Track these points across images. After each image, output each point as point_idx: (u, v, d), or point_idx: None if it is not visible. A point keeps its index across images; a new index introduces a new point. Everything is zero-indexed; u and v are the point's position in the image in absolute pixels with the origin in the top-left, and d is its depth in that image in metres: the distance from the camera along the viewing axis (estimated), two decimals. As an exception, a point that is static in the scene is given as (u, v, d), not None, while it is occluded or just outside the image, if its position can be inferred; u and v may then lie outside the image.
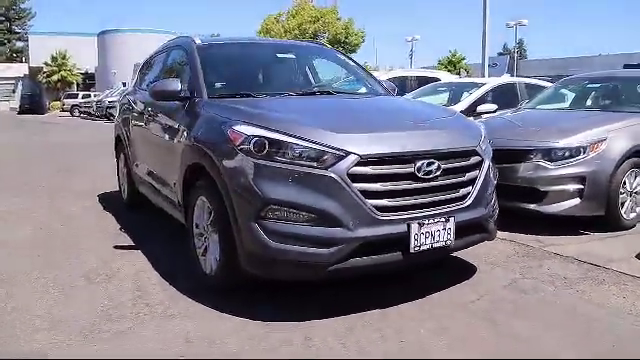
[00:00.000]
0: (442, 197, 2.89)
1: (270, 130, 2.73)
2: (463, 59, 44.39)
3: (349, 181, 2.62)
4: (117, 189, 6.35)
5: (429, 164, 2.80)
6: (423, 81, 10.21)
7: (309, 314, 2.80)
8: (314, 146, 2.65)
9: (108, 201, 5.82)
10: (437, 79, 10.24)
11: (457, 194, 2.95)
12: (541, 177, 4.38)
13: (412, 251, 2.77)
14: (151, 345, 2.51)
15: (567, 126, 4.70)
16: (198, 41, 3.97)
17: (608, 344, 2.56)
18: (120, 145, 5.39)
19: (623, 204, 4.49)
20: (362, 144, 2.69)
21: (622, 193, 4.46)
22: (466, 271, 3.52)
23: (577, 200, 4.36)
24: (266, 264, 2.70)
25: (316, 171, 2.62)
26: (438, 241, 2.85)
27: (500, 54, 51.30)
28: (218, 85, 3.60)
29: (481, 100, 7.18)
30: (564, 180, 4.36)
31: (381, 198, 2.70)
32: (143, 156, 4.55)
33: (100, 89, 39.13)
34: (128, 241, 4.29)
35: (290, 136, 2.68)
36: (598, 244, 4.17)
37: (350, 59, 4.45)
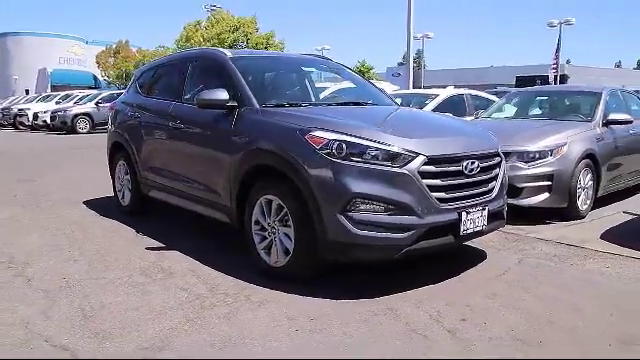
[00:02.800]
0: (479, 190, 3.49)
1: (347, 135, 3.17)
2: (371, 69, 46.63)
3: (419, 177, 3.14)
4: (100, 197, 6.39)
5: (472, 163, 3.40)
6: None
7: (377, 292, 3.25)
8: (389, 148, 3.13)
9: (100, 208, 5.80)
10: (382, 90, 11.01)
11: (487, 188, 3.58)
12: (517, 176, 5.14)
13: (461, 234, 3.34)
14: (264, 323, 2.84)
15: (534, 133, 5.55)
16: (229, 53, 4.27)
17: (615, 296, 3.30)
18: (121, 152, 5.45)
19: (579, 197, 5.40)
20: (427, 147, 3.22)
21: (578, 188, 5.37)
22: (479, 254, 4.14)
23: (547, 194, 5.20)
24: (349, 249, 3.13)
25: (392, 169, 3.10)
26: (477, 226, 3.45)
27: (400, 64, 54.66)
28: (262, 95, 3.94)
29: (436, 109, 7.98)
30: (536, 178, 5.17)
31: (440, 191, 3.25)
32: (163, 161, 4.71)
33: (-2, 96, 36.15)
34: (155, 242, 4.44)
35: (367, 140, 3.15)
36: (567, 230, 5.00)
37: (355, 73, 4.96)
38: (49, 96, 25.62)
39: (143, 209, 5.40)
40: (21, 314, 2.94)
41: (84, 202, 6.19)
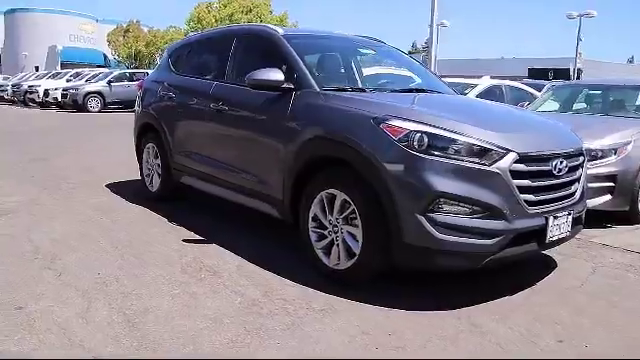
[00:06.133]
0: (565, 192, 3.11)
1: (429, 125, 2.79)
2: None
3: (510, 177, 2.76)
4: (122, 180, 6.07)
5: (561, 162, 3.02)
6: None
7: (452, 303, 2.90)
8: (478, 143, 2.75)
9: (125, 192, 5.45)
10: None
11: (571, 190, 3.19)
12: (578, 175, 4.76)
13: (547, 242, 2.97)
14: (336, 337, 2.48)
15: (596, 129, 5.13)
16: (281, 30, 3.88)
17: None
18: (151, 134, 5.08)
19: (641, 201, 5.01)
20: (518, 143, 2.84)
21: (641, 191, 4.97)
22: (548, 262, 3.77)
23: (608, 196, 4.81)
24: (428, 255, 2.76)
25: (481, 167, 2.72)
26: (562, 232, 3.07)
27: (409, 53, 54.03)
28: (321, 77, 3.55)
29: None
30: (598, 178, 4.78)
31: (529, 193, 2.87)
32: (201, 146, 4.33)
33: (7, 72, 35.72)
34: (191, 234, 4.08)
35: (452, 132, 2.76)
36: (630, 236, 4.62)
37: (412, 57, 4.56)
38: (59, 73, 25.27)
39: (173, 196, 5.05)
40: (57, 316, 2.60)
41: (106, 185, 5.85)
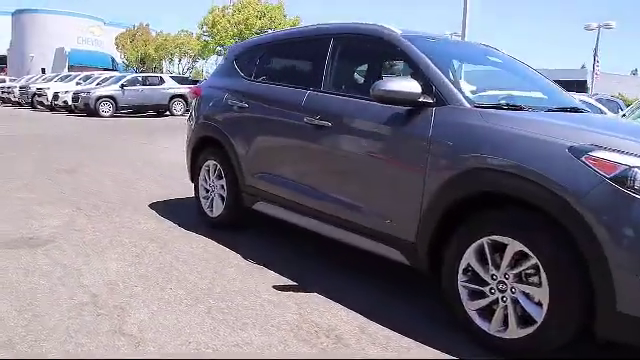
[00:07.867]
0: None
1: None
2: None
3: None
4: (167, 199, 5.38)
5: None
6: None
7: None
8: None
9: (175, 216, 4.70)
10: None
11: None
12: None
13: None
14: None
15: None
16: (399, 30, 3.17)
17: None
18: (211, 149, 4.35)
19: None
20: None
21: None
22: None
23: None
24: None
25: None
26: None
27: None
28: (464, 89, 2.83)
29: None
30: None
31: None
32: (291, 169, 3.58)
33: (13, 74, 35.01)
34: (278, 277, 3.34)
35: None
36: None
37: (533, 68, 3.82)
38: (69, 76, 24.55)
39: (237, 223, 4.33)
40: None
41: (151, 206, 5.11)
